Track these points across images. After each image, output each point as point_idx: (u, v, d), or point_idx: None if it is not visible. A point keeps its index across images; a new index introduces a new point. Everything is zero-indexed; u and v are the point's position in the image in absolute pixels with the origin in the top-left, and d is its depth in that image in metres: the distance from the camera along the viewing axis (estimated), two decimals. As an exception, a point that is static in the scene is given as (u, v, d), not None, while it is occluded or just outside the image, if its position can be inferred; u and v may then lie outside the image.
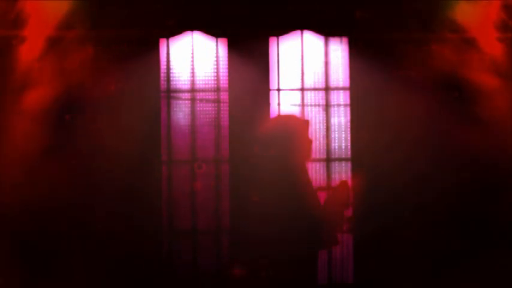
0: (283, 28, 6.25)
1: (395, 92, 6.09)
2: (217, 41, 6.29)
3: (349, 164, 6.28)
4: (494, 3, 5.91)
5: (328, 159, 6.29)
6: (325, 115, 6.31)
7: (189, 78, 6.31)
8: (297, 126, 4.59)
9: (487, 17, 5.92)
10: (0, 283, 5.74)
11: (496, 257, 5.90)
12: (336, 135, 6.30)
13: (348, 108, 6.29)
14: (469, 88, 6.04)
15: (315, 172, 6.25)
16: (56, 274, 5.93)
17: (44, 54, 5.94)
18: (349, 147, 6.28)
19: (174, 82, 6.31)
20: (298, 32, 6.30)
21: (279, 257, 4.44)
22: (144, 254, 6.11)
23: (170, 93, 6.29)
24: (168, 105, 6.29)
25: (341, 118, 6.31)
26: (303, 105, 6.31)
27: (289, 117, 4.71)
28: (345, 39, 6.30)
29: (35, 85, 5.93)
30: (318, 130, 6.29)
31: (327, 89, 6.33)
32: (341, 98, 6.31)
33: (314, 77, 6.34)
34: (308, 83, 6.33)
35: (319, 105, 6.32)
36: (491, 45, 5.97)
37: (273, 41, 6.29)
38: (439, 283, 5.98)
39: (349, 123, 6.28)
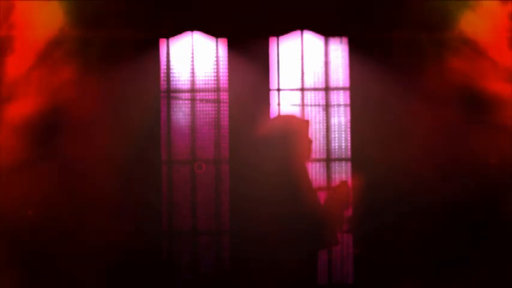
0: (283, 28, 6.25)
1: (395, 92, 6.09)
2: (217, 41, 6.29)
3: (349, 164, 6.28)
4: (502, 9, 5.89)
5: (328, 159, 6.29)
6: (325, 115, 6.31)
7: (189, 78, 6.31)
8: (297, 126, 4.59)
9: (494, 21, 5.90)
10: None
11: (496, 257, 5.90)
12: (336, 135, 6.30)
13: (348, 108, 6.29)
14: (469, 88, 6.03)
15: (315, 172, 6.25)
16: (56, 275, 5.93)
17: (40, 57, 5.93)
18: (349, 147, 6.28)
19: (174, 82, 6.31)
20: (298, 32, 6.30)
21: (279, 257, 4.43)
22: (144, 255, 6.11)
23: (170, 93, 6.29)
24: (168, 105, 6.29)
25: (341, 118, 6.31)
26: (303, 105, 6.30)
27: (289, 117, 4.71)
28: (345, 39, 6.29)
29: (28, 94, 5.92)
30: (318, 130, 6.29)
31: (327, 89, 6.32)
32: (341, 98, 6.31)
33: (314, 77, 6.34)
34: (308, 83, 6.33)
35: (319, 105, 6.32)
36: (496, 48, 5.95)
37: (273, 41, 6.29)
38: (439, 283, 5.98)
39: (349, 123, 6.28)
